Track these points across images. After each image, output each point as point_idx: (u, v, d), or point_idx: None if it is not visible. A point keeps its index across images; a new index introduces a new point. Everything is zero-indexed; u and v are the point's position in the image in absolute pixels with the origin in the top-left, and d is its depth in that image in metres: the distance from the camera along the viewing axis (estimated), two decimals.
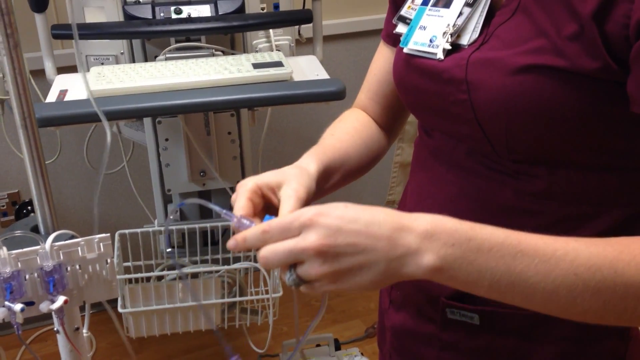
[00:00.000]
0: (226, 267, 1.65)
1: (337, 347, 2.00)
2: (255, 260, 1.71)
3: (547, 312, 0.60)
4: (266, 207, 0.69)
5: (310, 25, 1.67)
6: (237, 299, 1.67)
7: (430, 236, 0.57)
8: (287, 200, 0.66)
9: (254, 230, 0.61)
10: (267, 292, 1.66)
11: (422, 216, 0.59)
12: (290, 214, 0.61)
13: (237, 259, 1.73)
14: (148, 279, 1.63)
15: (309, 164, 0.75)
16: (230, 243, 0.63)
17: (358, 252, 0.57)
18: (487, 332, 0.77)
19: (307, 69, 1.52)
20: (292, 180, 0.69)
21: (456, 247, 0.57)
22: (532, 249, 0.57)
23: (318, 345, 2.01)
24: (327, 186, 0.79)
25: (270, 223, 0.60)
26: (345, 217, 0.58)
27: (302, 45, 1.79)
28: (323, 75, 1.49)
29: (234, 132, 1.67)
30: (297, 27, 1.73)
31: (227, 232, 1.75)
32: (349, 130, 0.88)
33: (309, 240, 0.57)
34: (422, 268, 0.58)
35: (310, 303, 2.42)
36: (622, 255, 0.57)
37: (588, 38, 0.61)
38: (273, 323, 1.69)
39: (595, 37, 0.60)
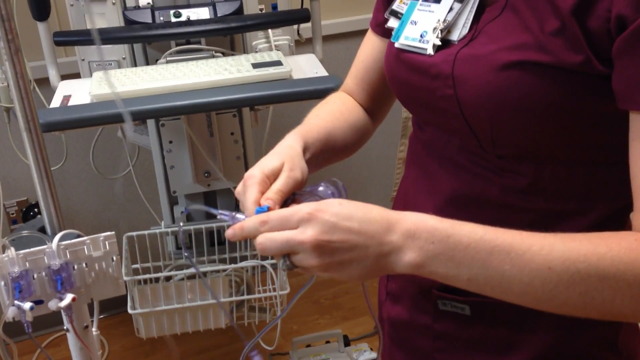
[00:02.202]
0: (233, 265, 1.66)
1: (347, 343, 2.01)
2: (263, 259, 1.73)
3: (527, 305, 0.62)
4: None
5: (310, 26, 1.69)
6: (245, 297, 1.69)
7: (413, 235, 0.61)
8: (281, 178, 0.71)
9: (252, 220, 0.64)
10: (274, 289, 1.67)
11: (407, 215, 0.63)
12: (289, 208, 0.64)
13: (244, 258, 1.74)
14: (157, 280, 1.65)
15: (294, 142, 0.78)
16: (229, 232, 0.66)
17: (351, 248, 0.61)
18: (479, 323, 0.78)
19: (307, 67, 1.54)
20: (289, 161, 0.73)
21: (436, 244, 0.61)
22: (507, 245, 0.60)
23: (327, 342, 2.02)
24: (312, 164, 0.81)
25: (270, 214, 0.64)
26: (341, 214, 0.61)
27: (301, 46, 1.80)
28: (322, 73, 1.51)
29: (236, 133, 1.69)
30: (296, 27, 1.74)
31: None
32: (333, 111, 0.90)
33: (307, 234, 0.61)
34: (405, 264, 0.62)
35: (320, 301, 2.44)
36: (598, 248, 0.59)
37: (570, 33, 0.62)
38: (282, 321, 1.71)
39: (577, 33, 0.62)
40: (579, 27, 0.62)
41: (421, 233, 0.61)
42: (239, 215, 0.68)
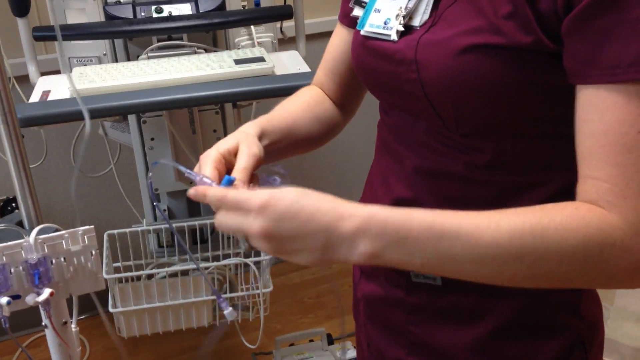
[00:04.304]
0: (216, 263, 1.66)
1: (330, 341, 2.01)
2: (245, 256, 1.72)
3: (480, 281, 0.65)
4: (229, 171, 0.76)
5: (293, 24, 1.69)
6: (228, 295, 1.68)
7: (364, 229, 0.64)
8: (242, 156, 0.75)
9: (214, 191, 0.68)
10: (257, 287, 1.67)
11: (360, 209, 0.65)
12: (246, 192, 0.66)
13: (227, 256, 1.73)
14: (138, 278, 1.63)
15: (248, 128, 0.83)
16: (191, 192, 0.70)
17: (299, 239, 0.64)
18: (450, 292, 0.81)
19: (289, 63, 1.54)
20: (244, 140, 0.77)
21: (387, 236, 0.64)
22: (456, 226, 0.63)
23: (311, 341, 2.01)
24: (273, 151, 0.85)
25: (228, 194, 0.67)
26: (293, 206, 0.64)
27: (285, 44, 1.79)
28: (305, 69, 1.51)
29: (219, 130, 1.68)
30: (279, 25, 1.74)
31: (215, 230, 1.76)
32: (300, 103, 0.94)
33: (255, 225, 0.64)
34: (359, 254, 0.64)
35: (303, 300, 2.44)
36: (541, 220, 0.62)
37: (522, 16, 0.66)
38: (266, 320, 1.70)
39: (528, 15, 0.66)
40: (530, 10, 0.65)
41: (371, 227, 0.64)
42: (205, 179, 0.72)
